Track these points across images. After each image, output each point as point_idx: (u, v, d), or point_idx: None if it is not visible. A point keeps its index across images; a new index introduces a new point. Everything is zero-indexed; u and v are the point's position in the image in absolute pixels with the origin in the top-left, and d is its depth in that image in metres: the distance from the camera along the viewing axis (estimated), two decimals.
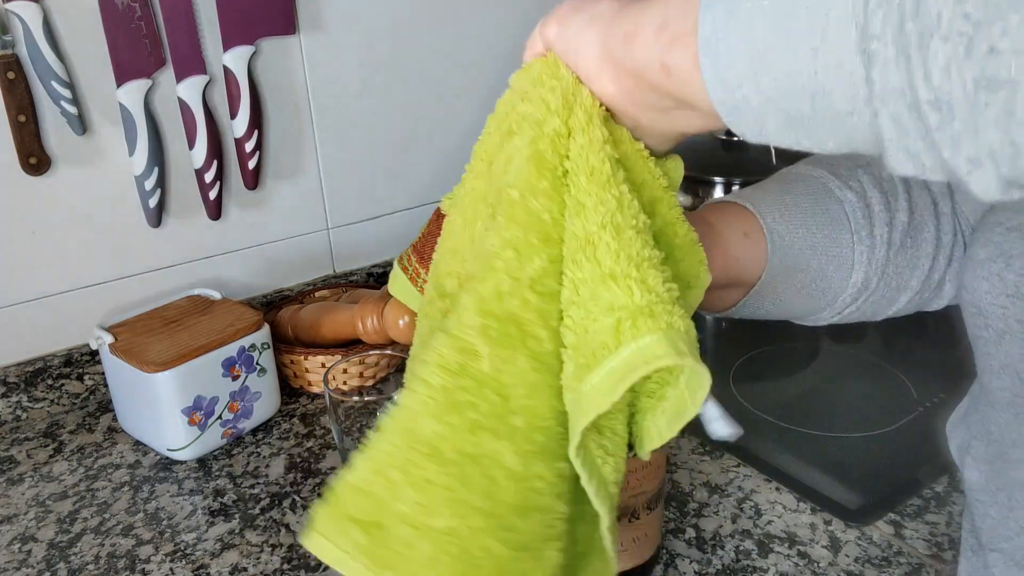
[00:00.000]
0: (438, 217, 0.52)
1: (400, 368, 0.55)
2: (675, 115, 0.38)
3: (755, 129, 0.30)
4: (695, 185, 1.00)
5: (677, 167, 0.44)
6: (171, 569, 0.66)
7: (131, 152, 0.86)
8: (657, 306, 0.34)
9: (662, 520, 0.62)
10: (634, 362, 0.33)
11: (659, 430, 0.38)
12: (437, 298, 0.45)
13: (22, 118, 0.80)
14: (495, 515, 0.35)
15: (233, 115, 0.90)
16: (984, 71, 0.20)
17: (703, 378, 0.34)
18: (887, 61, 0.22)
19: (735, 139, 1.04)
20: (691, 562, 0.64)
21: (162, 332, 0.80)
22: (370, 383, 0.83)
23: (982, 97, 0.20)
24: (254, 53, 0.90)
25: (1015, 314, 0.42)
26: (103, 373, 0.87)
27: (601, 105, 0.40)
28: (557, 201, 0.38)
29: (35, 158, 0.82)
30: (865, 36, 0.23)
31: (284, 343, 0.91)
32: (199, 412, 0.78)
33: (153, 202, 0.88)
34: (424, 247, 0.52)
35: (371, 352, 0.79)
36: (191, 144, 0.89)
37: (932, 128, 0.22)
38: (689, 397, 0.36)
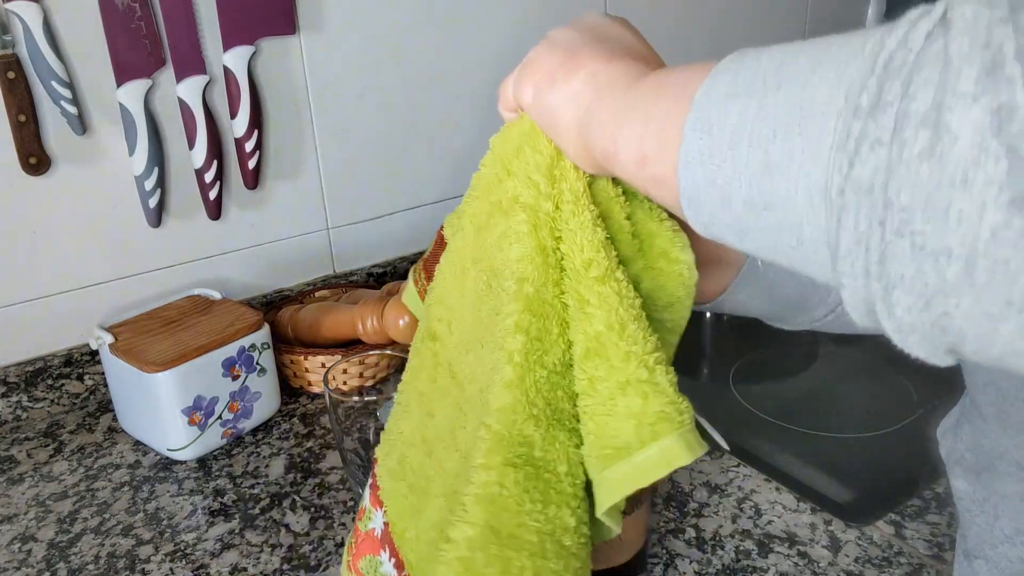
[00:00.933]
0: (440, 239, 0.53)
1: (400, 368, 0.55)
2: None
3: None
4: None
5: None
6: (171, 569, 0.66)
7: (131, 152, 0.86)
8: (670, 408, 0.38)
9: (646, 524, 0.61)
10: (657, 461, 0.38)
11: (616, 483, 0.41)
12: (428, 339, 0.49)
13: (22, 118, 0.80)
14: (563, 558, 0.41)
15: (233, 115, 0.90)
16: (939, 321, 0.24)
17: (688, 455, 0.38)
18: (856, 290, 0.26)
19: None
20: (691, 562, 0.64)
21: (162, 332, 0.80)
22: (370, 383, 0.83)
23: (938, 332, 0.24)
24: (254, 53, 0.90)
25: None
26: (103, 373, 0.87)
27: (584, 174, 0.42)
28: (560, 284, 0.42)
29: (35, 158, 0.82)
30: (836, 264, 0.26)
31: (284, 343, 0.90)
32: (199, 412, 0.78)
33: (153, 202, 0.88)
34: (430, 266, 0.54)
35: (371, 352, 0.79)
36: (191, 144, 0.89)
37: (892, 335, 0.26)
38: (662, 464, 0.38)
